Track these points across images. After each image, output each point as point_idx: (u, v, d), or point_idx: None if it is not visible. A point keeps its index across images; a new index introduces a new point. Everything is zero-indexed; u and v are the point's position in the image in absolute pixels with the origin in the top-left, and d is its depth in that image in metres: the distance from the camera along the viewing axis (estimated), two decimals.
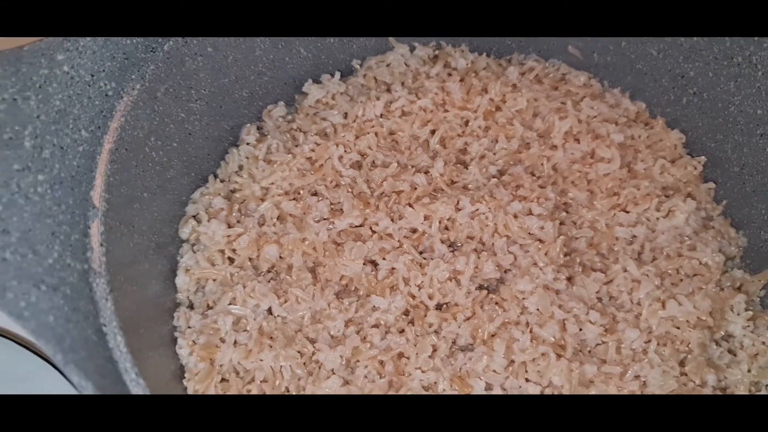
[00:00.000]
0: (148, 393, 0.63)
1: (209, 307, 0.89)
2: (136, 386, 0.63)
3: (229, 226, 0.93)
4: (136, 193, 0.82)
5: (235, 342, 0.85)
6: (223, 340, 0.85)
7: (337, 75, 1.07)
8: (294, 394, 0.83)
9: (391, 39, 1.10)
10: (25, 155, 0.69)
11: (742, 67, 0.92)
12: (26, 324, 0.63)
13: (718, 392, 0.84)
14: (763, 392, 0.85)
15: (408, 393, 0.82)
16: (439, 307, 0.89)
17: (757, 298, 0.93)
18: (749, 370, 0.86)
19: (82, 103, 0.75)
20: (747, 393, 0.84)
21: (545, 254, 0.90)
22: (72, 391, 0.59)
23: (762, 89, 0.91)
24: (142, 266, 0.82)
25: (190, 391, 0.81)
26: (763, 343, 0.87)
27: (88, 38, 0.75)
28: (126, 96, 0.79)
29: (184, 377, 0.82)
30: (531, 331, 0.85)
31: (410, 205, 0.94)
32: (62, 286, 0.66)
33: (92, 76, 0.76)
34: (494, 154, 1.01)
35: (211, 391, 0.81)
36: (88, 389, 0.56)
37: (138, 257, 0.81)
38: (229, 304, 0.87)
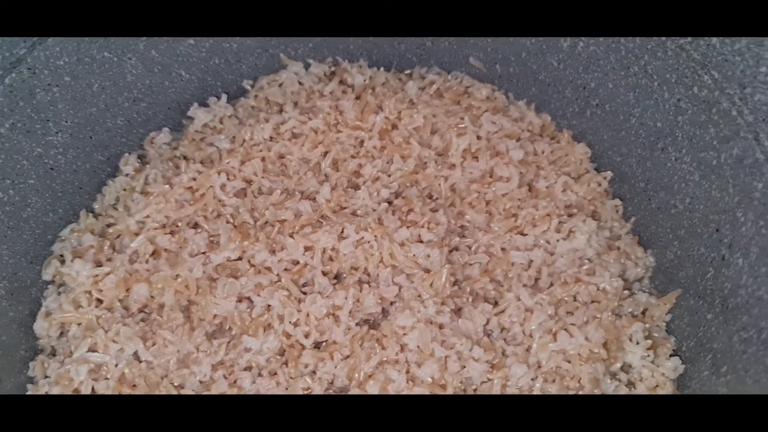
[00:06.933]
0: None
1: (71, 354, 0.83)
2: None
3: (98, 265, 0.87)
4: None
5: (92, 391, 0.79)
6: (77, 391, 0.79)
7: (224, 97, 1.02)
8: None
9: (283, 56, 1.04)
10: None
11: (639, 77, 0.86)
12: None
13: None
14: None
15: None
16: (317, 345, 0.83)
17: (663, 323, 0.86)
18: None
19: None
20: None
21: (430, 285, 0.84)
22: None
23: (659, 101, 0.85)
24: None
25: None
26: (663, 374, 0.81)
27: None
28: None
29: None
30: (408, 371, 0.79)
31: (291, 236, 0.88)
32: None
33: None
34: (389, 176, 0.96)
35: None
36: None
37: None
38: (89, 350, 0.81)
